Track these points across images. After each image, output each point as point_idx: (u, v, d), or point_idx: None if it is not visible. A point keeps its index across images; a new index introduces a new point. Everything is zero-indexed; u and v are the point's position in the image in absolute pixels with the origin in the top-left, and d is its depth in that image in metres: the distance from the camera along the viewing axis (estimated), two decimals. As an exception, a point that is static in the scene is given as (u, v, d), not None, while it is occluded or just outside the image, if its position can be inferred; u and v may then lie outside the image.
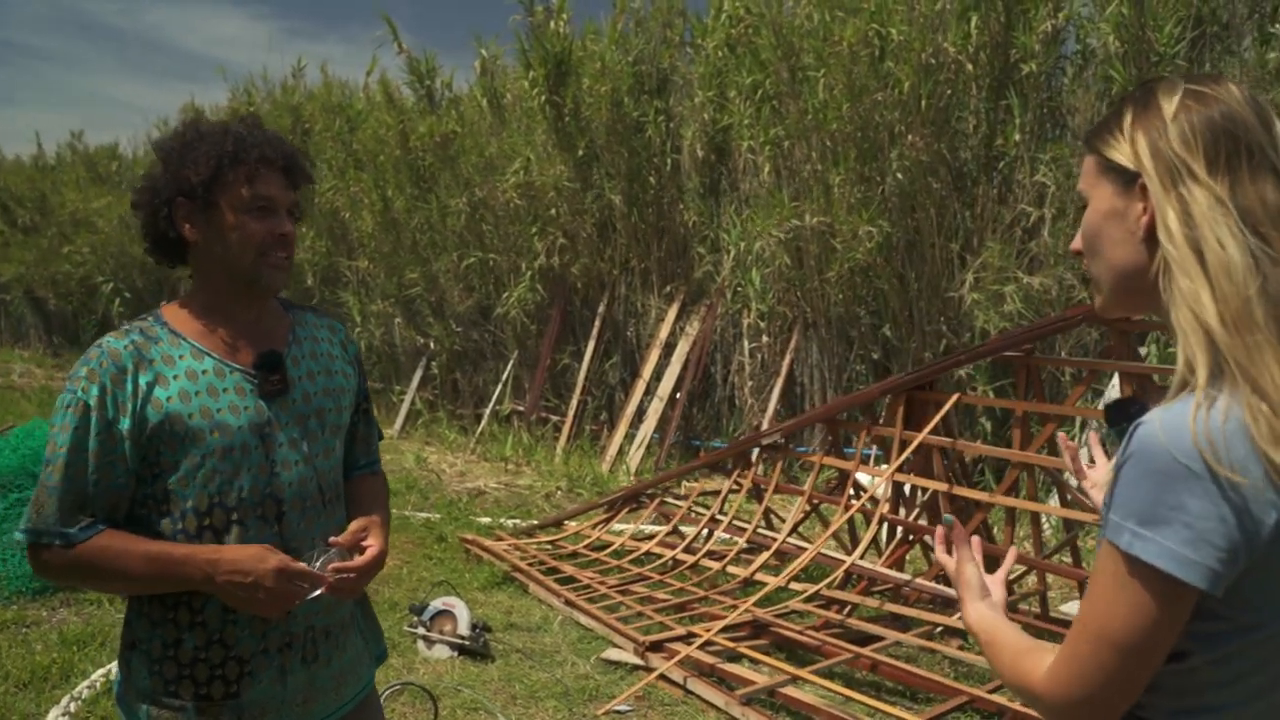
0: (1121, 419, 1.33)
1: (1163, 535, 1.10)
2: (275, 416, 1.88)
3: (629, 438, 9.86)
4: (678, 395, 9.72)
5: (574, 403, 10.40)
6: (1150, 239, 1.20)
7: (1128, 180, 1.22)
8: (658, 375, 10.04)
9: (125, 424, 1.76)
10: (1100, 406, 5.46)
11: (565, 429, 10.31)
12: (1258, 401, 1.09)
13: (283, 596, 1.75)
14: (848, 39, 7.83)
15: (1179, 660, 1.17)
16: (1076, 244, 1.32)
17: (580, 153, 10.28)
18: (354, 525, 1.95)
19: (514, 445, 10.14)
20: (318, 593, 1.81)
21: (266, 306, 1.97)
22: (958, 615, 4.87)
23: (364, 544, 1.92)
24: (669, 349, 10.08)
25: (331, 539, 1.89)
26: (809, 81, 8.43)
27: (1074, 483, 1.38)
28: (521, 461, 9.83)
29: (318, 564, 1.84)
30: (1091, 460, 1.67)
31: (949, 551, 1.52)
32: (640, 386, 10.03)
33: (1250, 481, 1.07)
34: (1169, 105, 1.20)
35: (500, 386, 11.17)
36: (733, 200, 9.79)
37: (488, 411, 11.06)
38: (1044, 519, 5.46)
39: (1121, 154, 1.23)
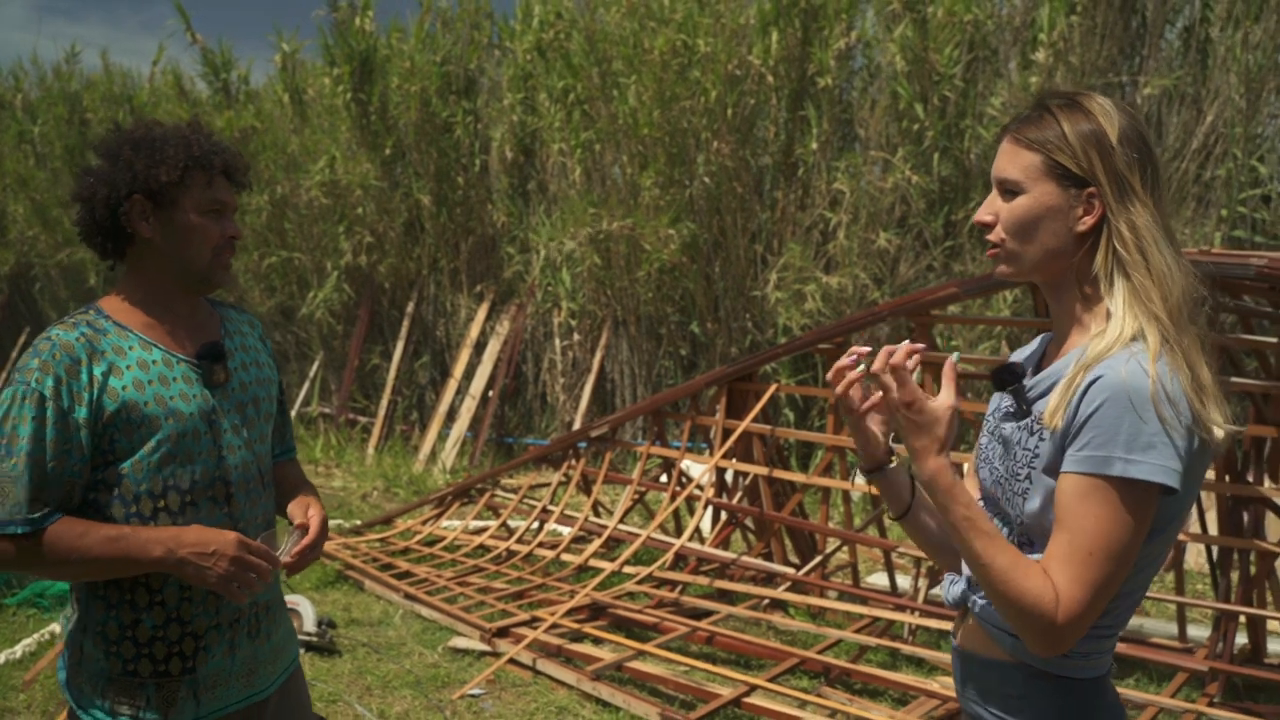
0: (1010, 380, 1.60)
1: (1150, 456, 1.38)
2: (219, 404, 1.96)
3: (442, 437, 9.88)
4: (490, 393, 9.82)
5: (384, 403, 10.32)
6: (1084, 236, 1.50)
7: (1077, 185, 1.48)
8: (469, 374, 10.10)
9: (82, 413, 1.80)
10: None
11: (376, 429, 10.21)
12: (1191, 378, 1.41)
13: (243, 568, 1.82)
14: (659, 48, 8.17)
15: None
16: (985, 217, 1.57)
17: (387, 152, 10.23)
18: (293, 509, 2.05)
19: (323, 448, 9.96)
20: (278, 571, 1.91)
21: (199, 302, 2.04)
22: (784, 588, 5.26)
23: (306, 519, 2.02)
24: (480, 348, 10.17)
25: (296, 526, 1.99)
26: (620, 88, 8.74)
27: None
28: (332, 464, 9.68)
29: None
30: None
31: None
32: (452, 385, 10.07)
33: (1184, 416, 1.40)
34: (1111, 128, 1.47)
35: (306, 388, 10.94)
36: (541, 201, 9.99)
37: (293, 414, 10.81)
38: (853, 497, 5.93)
39: (1072, 163, 1.48)
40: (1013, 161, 1.53)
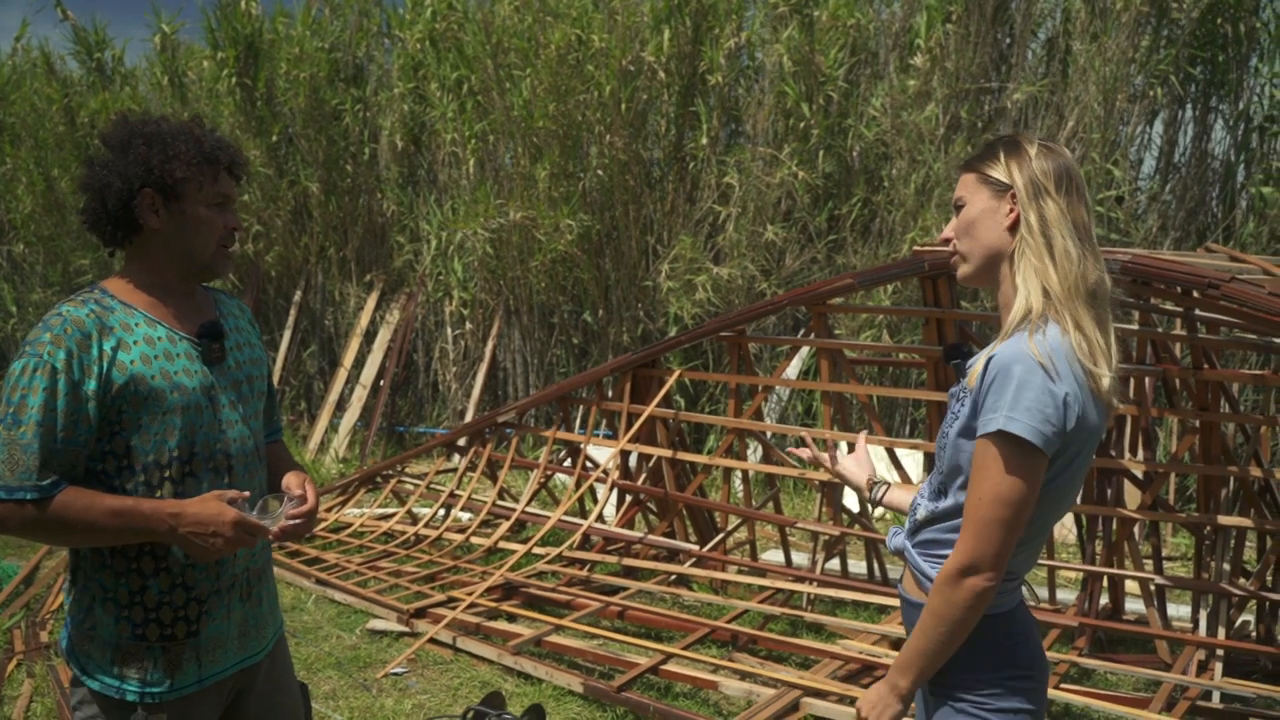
0: (955, 356, 1.91)
1: (1023, 416, 1.65)
2: (217, 381, 2.07)
3: (333, 426, 9.85)
4: (381, 383, 9.83)
5: (271, 393, 10.20)
6: (1011, 229, 1.80)
7: (1001, 190, 1.81)
8: (359, 363, 10.08)
9: (91, 385, 1.89)
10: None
11: (263, 420, 10.08)
12: (1079, 336, 1.71)
13: (237, 544, 1.94)
14: (555, 43, 8.32)
15: None
16: (947, 233, 1.91)
17: (274, 138, 10.10)
18: (290, 480, 2.17)
19: (209, 438, 9.78)
20: (269, 537, 2.03)
21: (195, 286, 2.15)
22: (689, 563, 5.53)
23: (304, 493, 2.14)
24: (370, 337, 10.15)
25: (294, 495, 2.10)
26: (514, 80, 8.86)
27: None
28: (219, 454, 9.53)
29: (254, 513, 2.05)
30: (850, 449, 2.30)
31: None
32: (341, 375, 10.03)
33: (1068, 383, 1.67)
34: (1031, 150, 1.81)
35: (188, 378, 10.71)
36: (432, 191, 10.03)
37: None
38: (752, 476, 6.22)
39: (999, 173, 1.82)
40: (960, 184, 1.90)
